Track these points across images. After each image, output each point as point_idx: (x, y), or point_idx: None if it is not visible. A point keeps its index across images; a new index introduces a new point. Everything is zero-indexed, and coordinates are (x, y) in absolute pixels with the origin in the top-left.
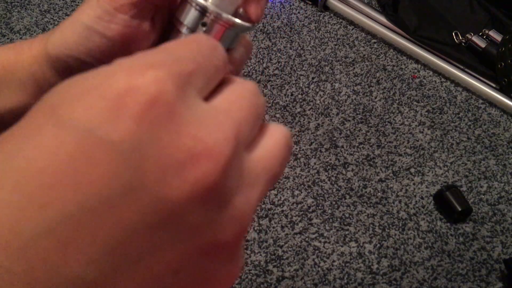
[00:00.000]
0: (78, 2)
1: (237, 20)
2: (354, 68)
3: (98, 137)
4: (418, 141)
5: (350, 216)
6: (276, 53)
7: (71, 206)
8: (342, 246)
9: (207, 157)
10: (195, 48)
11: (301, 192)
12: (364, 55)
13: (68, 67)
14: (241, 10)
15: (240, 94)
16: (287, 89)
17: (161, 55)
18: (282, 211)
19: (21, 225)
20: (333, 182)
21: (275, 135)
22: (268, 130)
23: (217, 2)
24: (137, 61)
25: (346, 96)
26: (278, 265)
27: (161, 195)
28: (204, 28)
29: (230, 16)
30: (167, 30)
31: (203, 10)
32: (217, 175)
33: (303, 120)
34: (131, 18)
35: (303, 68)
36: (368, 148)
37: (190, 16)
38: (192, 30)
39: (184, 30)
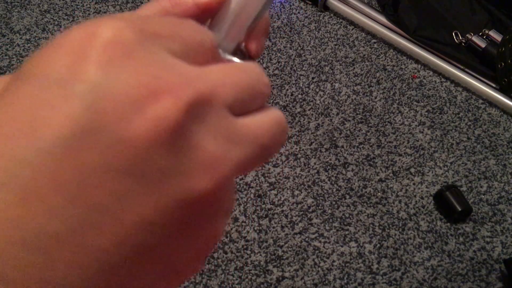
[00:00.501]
0: (78, 2)
1: (235, 59)
2: (354, 68)
3: (58, 84)
4: (418, 141)
5: (350, 216)
6: (276, 53)
7: (28, 152)
8: (342, 246)
9: (168, 92)
10: (176, 21)
11: (301, 192)
12: (364, 55)
13: None
14: (243, 44)
15: (239, 67)
16: (287, 89)
17: (133, 14)
18: (282, 211)
19: None
20: (333, 182)
21: (270, 113)
22: (265, 109)
23: (219, 40)
24: (100, 18)
25: (346, 96)
26: (278, 265)
27: (121, 134)
28: None
29: (229, 56)
30: None
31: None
32: (179, 113)
33: (303, 120)
34: None
35: (303, 68)
36: (368, 148)
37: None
38: None
39: None
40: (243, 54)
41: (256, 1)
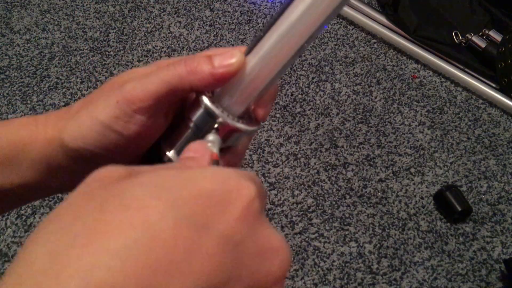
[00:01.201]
0: (78, 2)
1: (243, 126)
2: (354, 68)
3: (210, 227)
4: (418, 141)
5: (350, 216)
6: None
7: None
8: (342, 246)
9: (283, 249)
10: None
11: (301, 192)
12: (364, 55)
13: (81, 156)
14: (251, 108)
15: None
16: (287, 89)
17: (243, 173)
18: (282, 211)
19: None
20: (333, 182)
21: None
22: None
23: (226, 107)
24: (239, 172)
25: (346, 96)
26: None
27: (252, 284)
28: (213, 131)
29: (236, 123)
30: (175, 122)
31: (212, 116)
32: (289, 261)
33: (303, 120)
34: (147, 118)
35: (303, 68)
36: (368, 148)
37: (200, 117)
38: (200, 128)
39: (193, 126)
40: (250, 117)
41: (266, 74)
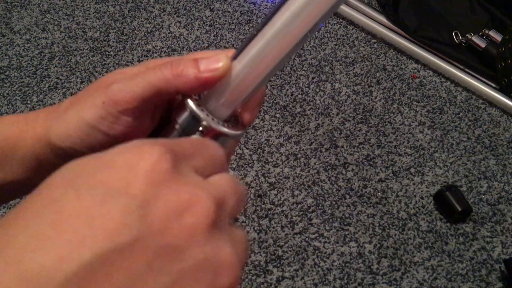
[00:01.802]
0: (78, 2)
1: (227, 130)
2: (354, 68)
3: (114, 195)
4: (418, 141)
5: (350, 216)
6: None
7: (88, 255)
8: (342, 246)
9: (198, 203)
10: (196, 142)
11: (301, 192)
12: (364, 55)
13: (69, 154)
14: (238, 111)
15: (228, 179)
16: (287, 89)
17: (166, 140)
18: (282, 211)
19: (50, 273)
20: (333, 182)
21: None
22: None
23: (212, 110)
24: (146, 141)
25: (346, 96)
26: (278, 265)
27: (164, 241)
28: (198, 133)
29: (220, 127)
30: (162, 123)
31: (197, 119)
32: (209, 217)
33: (303, 120)
34: (133, 119)
35: (303, 68)
36: (368, 148)
37: (185, 120)
38: (185, 131)
39: (178, 128)
40: (237, 121)
41: (252, 79)
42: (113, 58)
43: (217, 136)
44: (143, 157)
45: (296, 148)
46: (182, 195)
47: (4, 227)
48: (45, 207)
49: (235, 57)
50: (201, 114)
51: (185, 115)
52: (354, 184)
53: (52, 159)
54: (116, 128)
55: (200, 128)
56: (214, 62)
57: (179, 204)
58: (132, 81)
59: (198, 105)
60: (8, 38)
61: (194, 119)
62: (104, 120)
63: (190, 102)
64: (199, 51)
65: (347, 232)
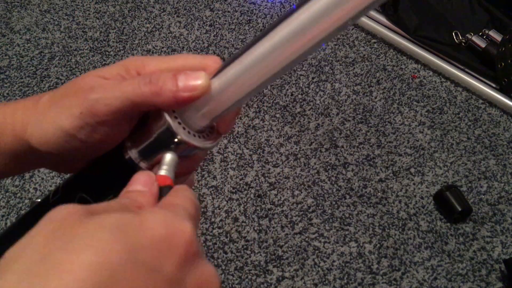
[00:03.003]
0: (78, 2)
1: (201, 144)
2: (354, 68)
3: (157, 271)
4: (418, 141)
5: (350, 216)
6: None
7: None
8: (342, 246)
9: (215, 278)
10: (198, 206)
11: (301, 192)
12: (364, 55)
13: (47, 155)
14: (214, 123)
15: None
16: (287, 89)
17: (183, 210)
18: (282, 211)
19: None
20: (333, 182)
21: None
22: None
23: (188, 119)
24: (178, 212)
25: (346, 96)
26: (278, 265)
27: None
28: (173, 145)
29: (195, 141)
30: (140, 121)
31: (173, 133)
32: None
33: (303, 120)
34: (111, 128)
35: (303, 68)
36: (368, 148)
37: (162, 131)
38: (160, 141)
39: (156, 136)
40: (212, 129)
41: (231, 98)
42: (113, 58)
43: (190, 148)
44: (182, 236)
45: (296, 148)
46: (207, 272)
47: None
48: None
49: (217, 73)
50: (177, 129)
51: (161, 127)
52: (354, 184)
53: (31, 157)
54: (94, 137)
55: (175, 140)
56: (193, 79)
57: (204, 280)
58: (111, 94)
59: (175, 117)
60: (8, 38)
61: (170, 132)
62: (82, 130)
63: (167, 117)
64: (184, 54)
65: (347, 232)
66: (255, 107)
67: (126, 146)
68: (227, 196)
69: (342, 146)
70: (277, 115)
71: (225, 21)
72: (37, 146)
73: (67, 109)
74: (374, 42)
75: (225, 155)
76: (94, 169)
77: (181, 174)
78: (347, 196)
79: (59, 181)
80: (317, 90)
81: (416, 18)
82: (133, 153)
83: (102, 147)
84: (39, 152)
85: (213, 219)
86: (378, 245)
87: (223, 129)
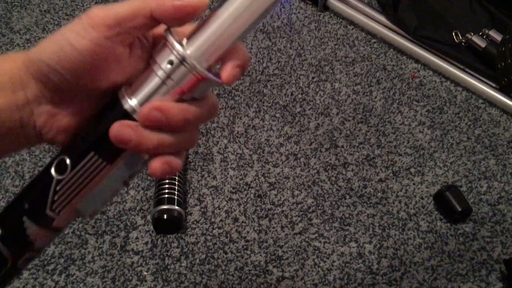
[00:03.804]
0: (78, 2)
1: (210, 75)
2: (354, 68)
3: None
4: (418, 141)
5: (350, 216)
6: (276, 53)
7: None
8: (342, 246)
9: None
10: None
11: (301, 192)
12: (364, 55)
13: (43, 75)
14: (218, 67)
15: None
16: (287, 89)
17: None
18: (282, 211)
19: None
20: (333, 182)
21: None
22: None
23: (196, 53)
24: None
25: (346, 96)
26: (278, 265)
27: None
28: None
29: (203, 70)
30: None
31: (182, 59)
32: None
33: (303, 120)
34: (104, 38)
35: (303, 68)
36: (368, 148)
37: (165, 58)
38: (167, 74)
39: (157, 70)
40: (217, 74)
41: (234, 29)
42: None
43: (197, 82)
44: None
45: (296, 148)
46: None
47: None
48: None
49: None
50: (185, 53)
51: (167, 53)
52: (354, 184)
53: (28, 83)
54: (84, 43)
55: (192, 75)
56: None
57: None
58: (119, 6)
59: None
60: (8, 38)
61: (180, 62)
62: (76, 34)
63: (175, 44)
64: None
65: (347, 232)
66: (255, 107)
67: (124, 92)
68: (227, 196)
69: (342, 146)
70: (277, 115)
71: None
72: (34, 56)
73: (71, 22)
74: (374, 42)
75: (225, 155)
76: (93, 122)
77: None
78: (347, 196)
79: None
80: (317, 90)
81: (416, 18)
82: (133, 103)
83: (93, 66)
84: (34, 69)
85: (213, 219)
86: (378, 245)
87: (225, 77)
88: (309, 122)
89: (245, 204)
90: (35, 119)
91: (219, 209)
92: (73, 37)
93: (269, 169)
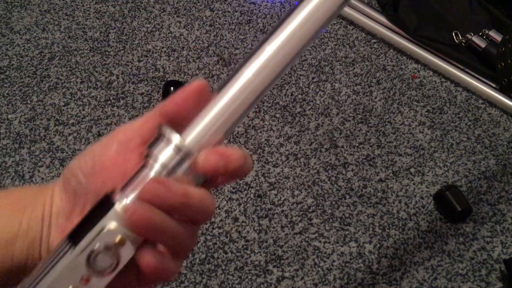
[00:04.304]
0: (78, 2)
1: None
2: (354, 68)
3: None
4: (418, 141)
5: (350, 216)
6: None
7: None
8: (342, 246)
9: None
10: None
11: (301, 192)
12: (364, 55)
13: (66, 180)
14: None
15: None
16: (287, 89)
17: None
18: (282, 211)
19: None
20: (333, 182)
21: None
22: None
23: (192, 143)
24: None
25: (346, 96)
26: (278, 265)
27: None
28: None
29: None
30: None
31: (178, 149)
32: None
33: (303, 120)
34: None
35: (303, 68)
36: (368, 148)
37: (164, 153)
38: (163, 166)
39: (154, 164)
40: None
41: (228, 117)
42: (113, 58)
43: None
44: None
45: (296, 148)
46: None
47: None
48: None
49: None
50: (183, 143)
51: (164, 146)
52: (354, 184)
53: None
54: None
55: (187, 163)
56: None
57: None
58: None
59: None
60: (8, 38)
61: (180, 153)
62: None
63: (174, 137)
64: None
65: (347, 232)
66: (255, 107)
67: (117, 194)
68: (227, 196)
69: (342, 146)
70: (277, 115)
71: (225, 21)
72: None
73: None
74: (374, 42)
75: None
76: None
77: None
78: (347, 196)
79: None
80: (317, 90)
81: (416, 18)
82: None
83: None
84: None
85: (213, 219)
86: (378, 245)
87: (200, 160)
88: (309, 122)
89: (245, 204)
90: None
91: (219, 209)
92: (96, 147)
93: (269, 169)
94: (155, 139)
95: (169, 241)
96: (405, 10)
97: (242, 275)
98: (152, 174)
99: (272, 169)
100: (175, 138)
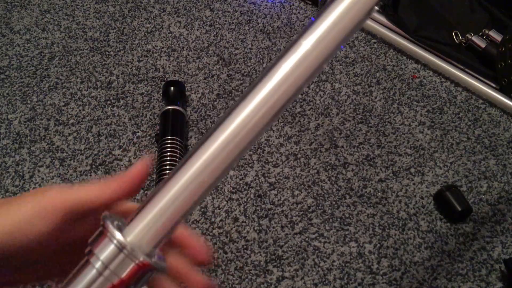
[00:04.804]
0: (78, 2)
1: (155, 263)
2: (354, 68)
3: None
4: (418, 141)
5: (350, 216)
6: (276, 53)
7: None
8: (342, 246)
9: None
10: None
11: (301, 192)
12: (364, 55)
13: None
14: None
15: None
16: None
17: None
18: (282, 211)
19: None
20: (333, 182)
21: None
22: None
23: (137, 239)
24: None
25: (346, 96)
26: (278, 265)
27: None
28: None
29: (147, 259)
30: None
31: (121, 247)
32: None
33: (303, 120)
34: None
35: None
36: (368, 148)
37: (106, 250)
38: (105, 264)
39: (95, 262)
40: (164, 258)
41: (176, 208)
42: (113, 58)
43: (145, 272)
44: None
45: (296, 148)
46: None
47: None
48: None
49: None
50: (125, 240)
51: (106, 243)
52: (354, 184)
53: None
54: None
55: (133, 264)
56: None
57: None
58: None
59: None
60: (8, 38)
61: (119, 250)
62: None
63: (117, 233)
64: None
65: (347, 232)
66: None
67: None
68: (227, 196)
69: (342, 146)
70: None
71: (225, 21)
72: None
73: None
74: (374, 42)
75: None
76: None
77: None
78: (347, 196)
79: (59, 181)
80: (317, 90)
81: (416, 18)
82: None
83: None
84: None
85: (213, 219)
86: (378, 245)
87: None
88: (309, 122)
89: (245, 204)
90: None
91: (219, 209)
92: (26, 225)
93: (269, 169)
94: (100, 233)
95: None
96: (405, 10)
97: (242, 275)
98: (93, 272)
99: (272, 169)
100: (117, 234)
